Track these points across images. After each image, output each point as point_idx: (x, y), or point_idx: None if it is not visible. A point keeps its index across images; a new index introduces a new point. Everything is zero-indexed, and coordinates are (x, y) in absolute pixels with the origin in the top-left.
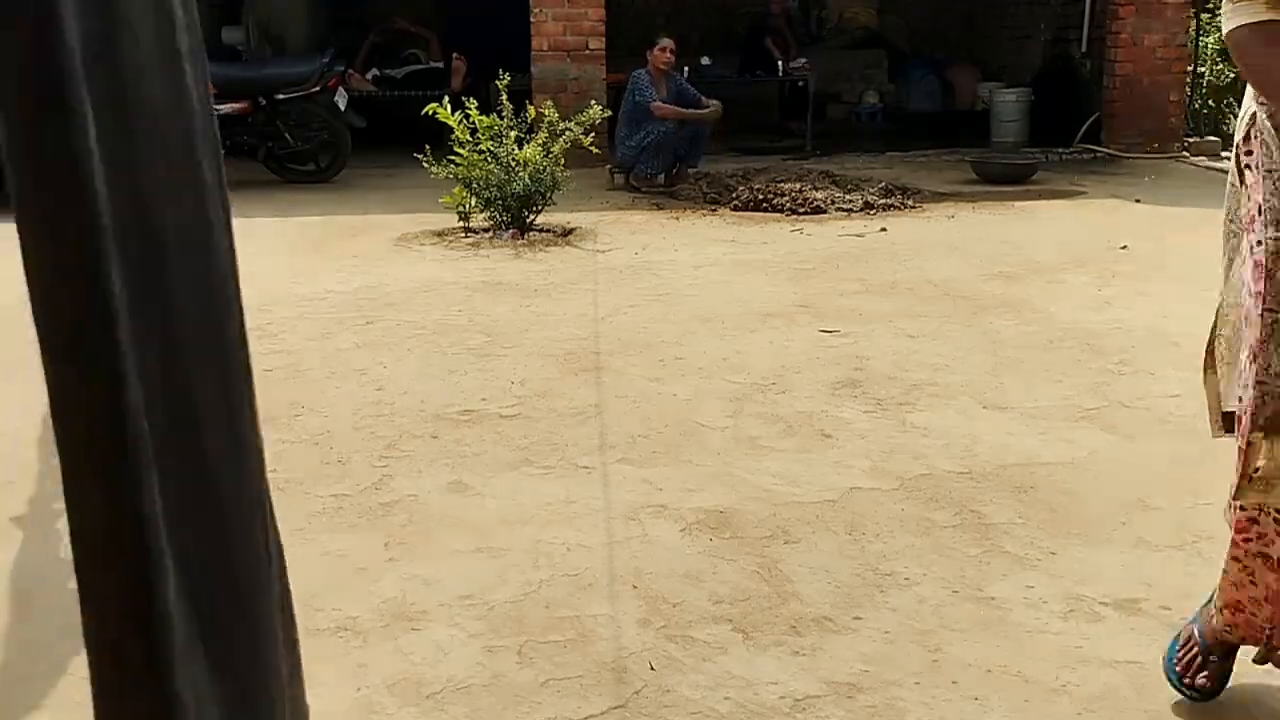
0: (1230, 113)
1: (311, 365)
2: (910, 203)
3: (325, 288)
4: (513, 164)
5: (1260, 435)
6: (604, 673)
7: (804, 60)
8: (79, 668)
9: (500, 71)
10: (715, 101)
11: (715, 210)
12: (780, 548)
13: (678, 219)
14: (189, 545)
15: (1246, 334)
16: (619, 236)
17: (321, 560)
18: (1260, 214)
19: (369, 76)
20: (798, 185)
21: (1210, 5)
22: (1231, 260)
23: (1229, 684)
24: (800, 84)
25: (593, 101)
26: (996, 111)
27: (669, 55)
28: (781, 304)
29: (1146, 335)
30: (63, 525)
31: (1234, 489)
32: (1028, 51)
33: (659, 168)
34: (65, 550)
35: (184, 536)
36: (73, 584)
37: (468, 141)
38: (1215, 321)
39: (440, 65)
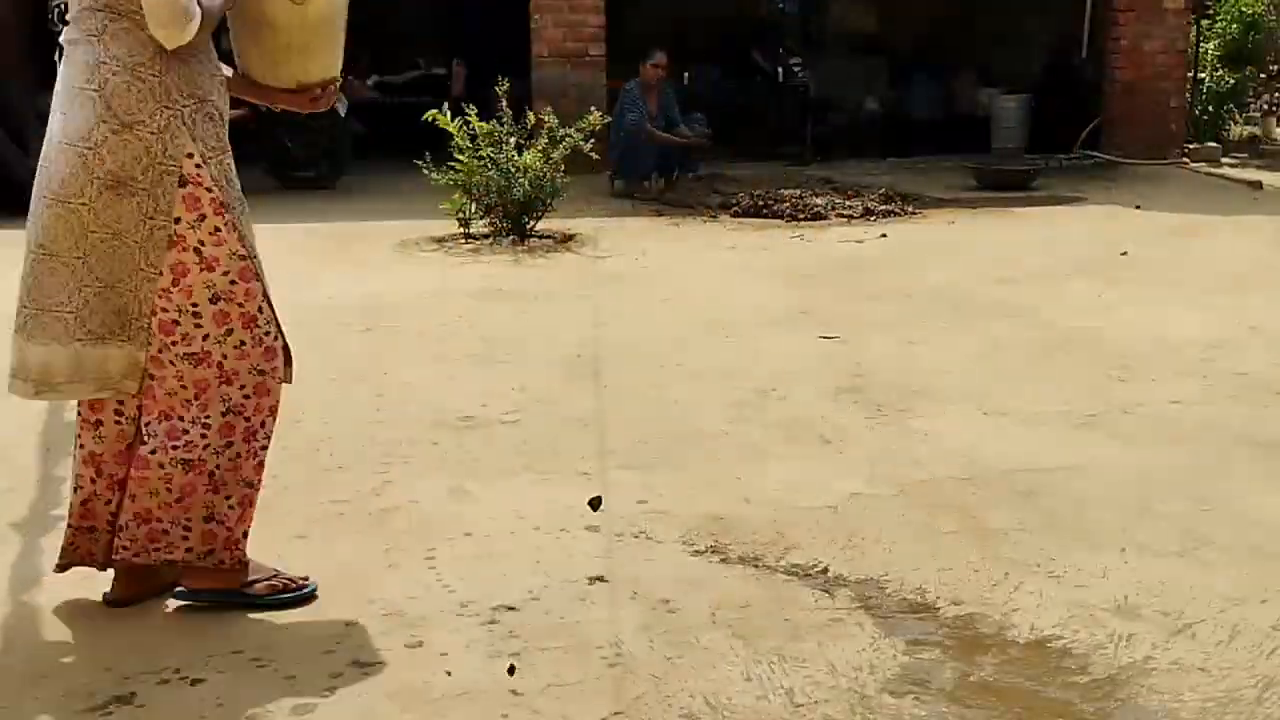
0: (1230, 119)
1: (312, 371)
2: (910, 209)
3: (326, 294)
4: (513, 170)
5: None
6: (604, 679)
7: (797, 60)
8: (77, 673)
9: (500, 77)
10: (693, 134)
11: (715, 217)
12: (780, 554)
13: (678, 225)
14: None
15: None
16: (619, 243)
17: (322, 566)
18: None
19: (370, 83)
20: (798, 191)
21: (1210, 11)
22: None
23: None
24: (801, 90)
25: (593, 108)
26: (997, 117)
27: (660, 71)
28: (782, 310)
29: (1147, 341)
30: (46, 529)
31: None
32: (1028, 58)
33: (645, 171)
34: (52, 553)
35: None
36: (68, 589)
37: (468, 148)
38: None
39: (441, 71)
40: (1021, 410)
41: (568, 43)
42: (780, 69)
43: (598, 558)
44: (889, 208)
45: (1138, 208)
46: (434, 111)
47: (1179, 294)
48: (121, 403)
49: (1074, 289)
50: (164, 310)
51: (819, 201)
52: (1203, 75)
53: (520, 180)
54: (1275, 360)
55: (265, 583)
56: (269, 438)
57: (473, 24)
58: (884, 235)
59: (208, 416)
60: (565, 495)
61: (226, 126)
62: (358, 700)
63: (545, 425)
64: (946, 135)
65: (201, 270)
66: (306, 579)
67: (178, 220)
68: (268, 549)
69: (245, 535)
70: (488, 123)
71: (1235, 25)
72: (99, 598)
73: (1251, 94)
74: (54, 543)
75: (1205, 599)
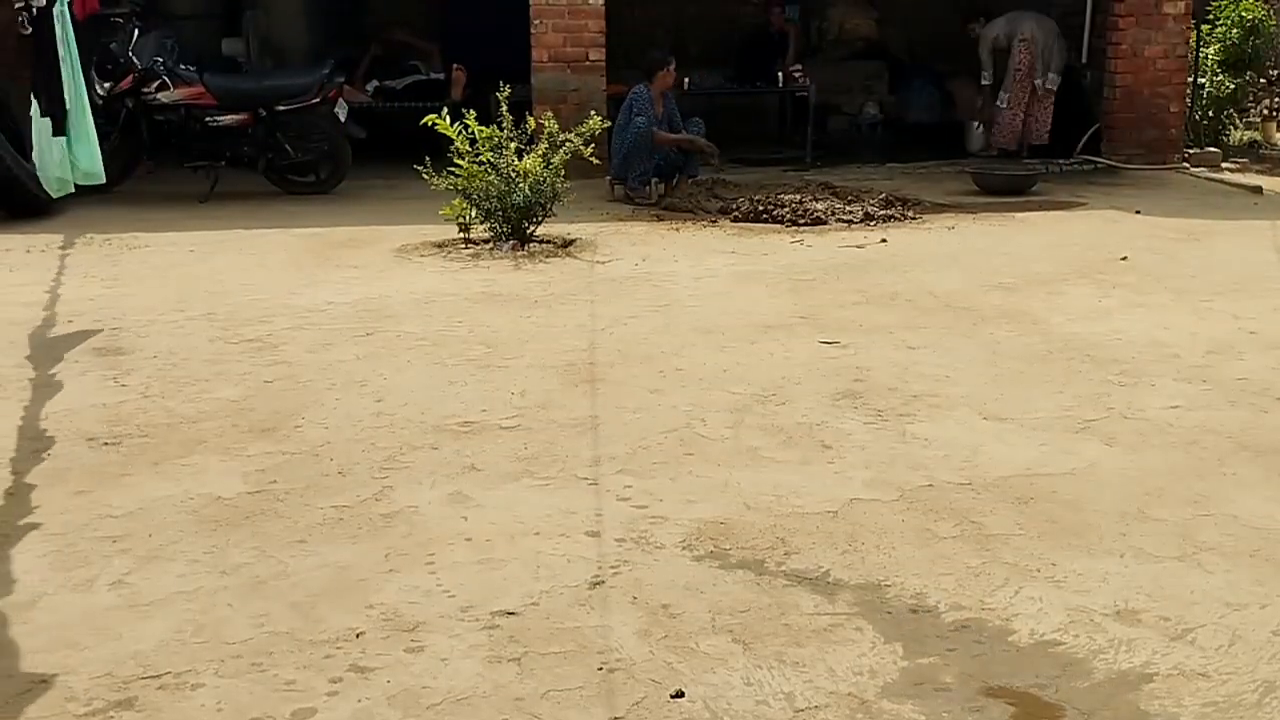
0: (1230, 124)
1: (312, 377)
2: (910, 214)
3: (325, 299)
4: (513, 175)
5: None
6: (604, 684)
7: (799, 67)
8: (77, 679)
9: (500, 83)
10: (710, 146)
11: (715, 222)
12: (780, 559)
13: (678, 230)
14: None
15: None
16: (619, 248)
17: (322, 571)
18: None
19: (369, 88)
20: (798, 196)
21: (1210, 16)
22: None
23: None
24: (801, 95)
25: (593, 112)
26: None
27: (674, 77)
28: (782, 315)
29: (1146, 346)
30: (46, 535)
31: None
32: None
33: (645, 175)
34: (52, 559)
35: None
36: (67, 593)
37: (468, 153)
38: None
39: (440, 77)
40: (1021, 415)
41: (568, 47)
42: (780, 72)
43: (597, 563)
44: (889, 212)
45: (1138, 213)
46: (434, 116)
47: (1179, 299)
48: None
49: (1074, 294)
50: None
51: (819, 206)
52: (1203, 80)
53: (520, 185)
54: (1274, 365)
55: None
56: None
57: (467, 27)
58: (884, 240)
59: None
60: (565, 500)
61: None
62: (357, 705)
63: (545, 430)
64: (946, 140)
65: None
66: None
67: None
68: (268, 553)
69: None
70: (487, 128)
71: (1235, 30)
72: (97, 602)
73: (1252, 99)
74: (53, 548)
75: (1205, 604)
